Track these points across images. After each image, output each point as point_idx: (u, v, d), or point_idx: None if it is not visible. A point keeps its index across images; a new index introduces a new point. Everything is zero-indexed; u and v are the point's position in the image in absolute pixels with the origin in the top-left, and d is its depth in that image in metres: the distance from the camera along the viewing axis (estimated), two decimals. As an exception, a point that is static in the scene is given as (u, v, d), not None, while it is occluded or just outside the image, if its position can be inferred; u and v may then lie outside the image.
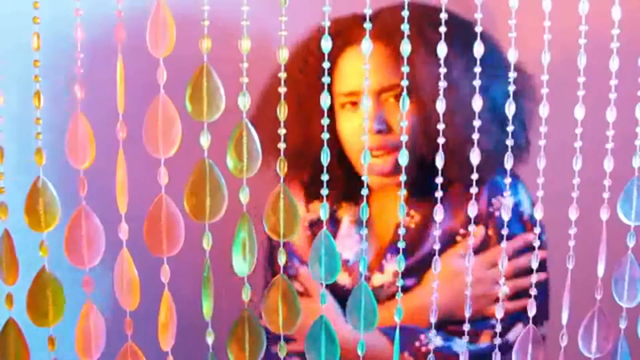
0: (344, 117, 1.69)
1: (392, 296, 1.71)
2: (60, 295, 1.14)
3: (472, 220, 1.18)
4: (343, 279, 1.75)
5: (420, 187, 1.70)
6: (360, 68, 1.66)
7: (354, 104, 1.68)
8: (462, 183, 1.45)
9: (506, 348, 1.27)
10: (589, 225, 1.17)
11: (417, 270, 1.70)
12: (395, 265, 1.70)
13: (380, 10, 1.60)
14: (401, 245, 1.15)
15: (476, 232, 1.70)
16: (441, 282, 1.63)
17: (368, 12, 1.09)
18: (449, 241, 1.71)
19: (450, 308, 1.61)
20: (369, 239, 1.78)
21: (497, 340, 1.25)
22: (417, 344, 1.64)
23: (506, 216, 1.20)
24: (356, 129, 1.67)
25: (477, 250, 1.69)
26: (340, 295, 1.56)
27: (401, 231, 1.14)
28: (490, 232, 1.70)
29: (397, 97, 1.65)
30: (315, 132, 1.63)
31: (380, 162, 1.66)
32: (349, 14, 1.70)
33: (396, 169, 1.65)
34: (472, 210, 1.18)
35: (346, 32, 1.67)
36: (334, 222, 1.80)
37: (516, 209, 1.71)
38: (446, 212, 1.68)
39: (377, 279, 1.74)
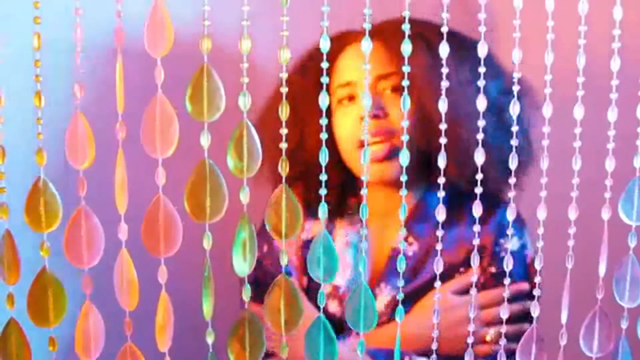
0: (341, 114, 1.71)
1: (381, 324, 1.67)
2: (61, 295, 1.14)
3: (477, 221, 1.17)
4: (333, 307, 1.74)
5: (423, 212, 1.71)
6: (356, 61, 1.68)
7: (351, 98, 1.70)
8: (463, 183, 1.45)
9: None
10: (589, 225, 1.17)
11: (408, 300, 1.68)
12: (387, 296, 1.70)
13: (380, 22, 1.61)
14: (402, 246, 1.15)
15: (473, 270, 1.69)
16: (431, 317, 1.63)
17: (368, 12, 1.09)
18: (447, 275, 1.70)
19: (441, 343, 1.59)
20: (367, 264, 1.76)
21: (503, 341, 1.25)
22: None
23: (511, 217, 1.20)
24: (354, 122, 1.69)
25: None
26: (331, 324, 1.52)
27: (402, 232, 1.14)
28: (492, 271, 1.71)
29: (394, 89, 1.67)
30: (307, 146, 1.64)
31: (374, 148, 1.66)
32: (344, 30, 1.74)
33: (391, 153, 1.65)
34: (477, 210, 1.17)
35: (343, 39, 1.71)
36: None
37: (521, 251, 1.72)
38: (451, 245, 1.68)
39: None
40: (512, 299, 1.59)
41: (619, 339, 1.19)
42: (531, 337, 1.21)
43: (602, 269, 1.17)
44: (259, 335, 1.14)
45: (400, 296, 1.17)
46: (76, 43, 1.08)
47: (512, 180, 1.16)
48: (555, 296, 1.21)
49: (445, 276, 1.68)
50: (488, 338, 1.66)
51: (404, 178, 1.11)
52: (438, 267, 1.17)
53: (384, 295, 1.71)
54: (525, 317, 1.57)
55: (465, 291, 1.69)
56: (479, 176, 1.14)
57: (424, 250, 1.71)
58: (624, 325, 1.18)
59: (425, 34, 1.51)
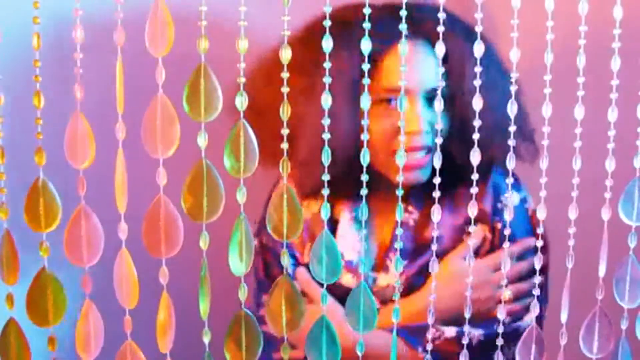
0: (380, 113, 1.65)
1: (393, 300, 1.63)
2: (60, 295, 1.15)
3: (472, 221, 1.18)
4: (347, 280, 1.73)
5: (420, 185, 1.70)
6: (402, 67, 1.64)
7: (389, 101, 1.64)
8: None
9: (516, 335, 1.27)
10: (590, 225, 1.17)
11: (424, 270, 1.69)
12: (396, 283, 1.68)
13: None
14: (399, 246, 1.15)
15: (478, 232, 1.70)
16: (446, 283, 1.63)
17: (367, 12, 1.09)
18: (457, 239, 1.71)
19: (457, 310, 1.59)
20: (370, 237, 1.77)
21: (500, 341, 1.24)
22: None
23: (509, 216, 1.20)
24: (391, 128, 1.64)
25: (482, 253, 1.70)
26: (345, 297, 1.52)
27: (398, 231, 1.14)
28: (498, 227, 1.70)
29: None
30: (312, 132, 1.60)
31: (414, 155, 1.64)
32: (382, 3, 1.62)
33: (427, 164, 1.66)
34: (472, 211, 1.17)
35: (385, 27, 1.63)
36: (331, 221, 1.76)
37: (522, 206, 1.72)
38: (453, 210, 1.68)
39: (383, 279, 1.73)
40: (521, 257, 1.66)
41: (619, 340, 1.19)
42: (530, 337, 1.21)
43: (602, 270, 1.16)
44: (256, 335, 1.14)
45: (396, 296, 1.17)
46: (76, 43, 1.08)
47: (510, 180, 1.16)
48: (555, 296, 1.21)
49: (456, 241, 1.71)
50: (504, 298, 1.66)
51: (401, 178, 1.12)
52: (434, 267, 1.17)
53: (394, 267, 1.70)
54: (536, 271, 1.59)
55: (474, 254, 1.68)
56: (475, 176, 1.14)
57: (424, 217, 1.71)
58: (624, 325, 1.17)
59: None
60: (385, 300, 1.69)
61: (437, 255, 1.63)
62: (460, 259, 1.69)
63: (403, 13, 1.08)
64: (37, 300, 1.14)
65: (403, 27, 1.08)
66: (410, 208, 1.73)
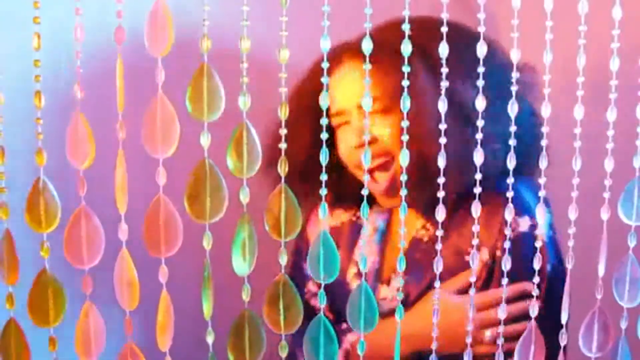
0: (340, 137, 1.72)
1: (392, 312, 1.43)
2: (60, 295, 1.14)
3: (476, 221, 1.17)
4: (384, 292, 1.74)
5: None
6: (345, 88, 1.67)
7: (347, 122, 1.69)
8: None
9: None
10: (589, 225, 1.17)
11: (426, 289, 1.66)
12: (399, 282, 1.66)
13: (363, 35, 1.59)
14: (401, 247, 1.15)
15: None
16: (428, 315, 1.58)
17: (369, 12, 1.09)
18: (456, 265, 1.63)
19: (440, 342, 1.55)
20: (388, 249, 1.78)
21: (500, 340, 1.24)
22: None
23: (509, 216, 1.18)
24: (349, 148, 1.70)
25: (477, 284, 1.61)
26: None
27: (402, 232, 1.14)
28: (498, 260, 1.61)
29: (381, 112, 1.64)
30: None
31: (376, 183, 1.67)
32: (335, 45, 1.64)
33: (392, 186, 1.66)
34: (476, 210, 1.17)
35: (335, 59, 1.67)
36: (358, 229, 1.82)
37: (531, 233, 1.56)
38: (458, 230, 1.64)
39: (383, 291, 1.73)
40: (517, 299, 1.53)
41: (619, 339, 1.19)
42: (530, 336, 1.21)
43: (601, 269, 1.17)
44: (259, 336, 1.14)
45: (399, 296, 1.17)
46: (76, 43, 1.08)
47: (511, 179, 1.15)
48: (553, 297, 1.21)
49: (454, 267, 1.63)
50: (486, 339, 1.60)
51: (404, 178, 1.12)
52: (438, 266, 1.17)
53: (396, 281, 1.69)
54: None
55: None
56: (478, 176, 1.14)
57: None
58: (624, 325, 1.18)
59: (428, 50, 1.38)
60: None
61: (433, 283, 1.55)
62: (451, 293, 1.62)
63: (406, 13, 1.07)
64: (37, 300, 1.13)
65: (406, 26, 1.08)
66: (428, 225, 1.71)
